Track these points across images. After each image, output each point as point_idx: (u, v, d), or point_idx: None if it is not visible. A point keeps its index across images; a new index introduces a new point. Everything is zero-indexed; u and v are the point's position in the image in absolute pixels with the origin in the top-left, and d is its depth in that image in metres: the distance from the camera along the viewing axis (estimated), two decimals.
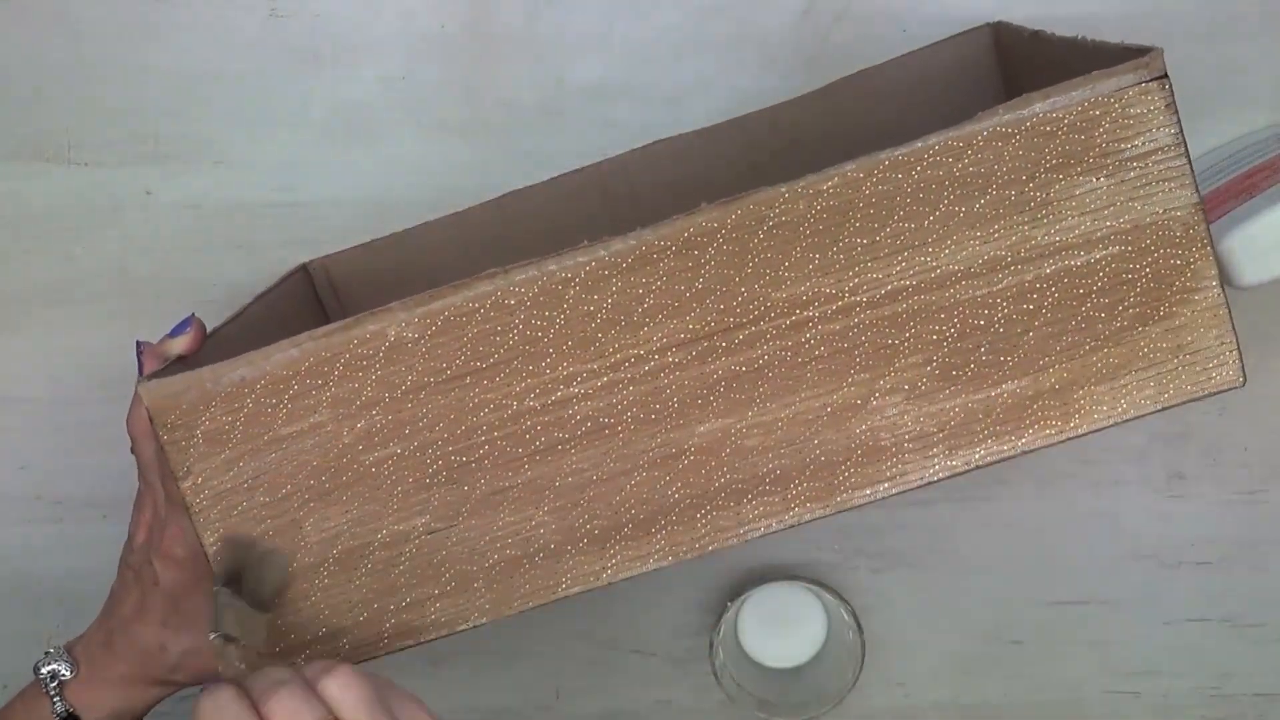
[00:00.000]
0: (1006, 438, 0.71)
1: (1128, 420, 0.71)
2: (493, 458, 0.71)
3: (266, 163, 0.94)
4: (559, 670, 1.04)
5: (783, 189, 0.68)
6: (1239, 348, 0.70)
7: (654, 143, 0.90)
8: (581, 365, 0.70)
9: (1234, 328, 0.70)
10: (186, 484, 0.72)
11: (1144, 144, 0.68)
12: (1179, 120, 0.68)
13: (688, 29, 0.92)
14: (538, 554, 0.72)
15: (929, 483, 0.72)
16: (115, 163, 0.94)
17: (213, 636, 0.67)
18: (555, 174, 0.90)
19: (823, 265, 0.69)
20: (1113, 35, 0.73)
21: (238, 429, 0.71)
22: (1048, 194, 0.68)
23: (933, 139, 0.68)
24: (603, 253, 0.69)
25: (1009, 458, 0.71)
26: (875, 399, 0.71)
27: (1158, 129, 0.68)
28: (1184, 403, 0.71)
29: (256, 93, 0.93)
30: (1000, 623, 1.02)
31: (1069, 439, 0.71)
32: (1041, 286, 0.69)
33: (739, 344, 0.70)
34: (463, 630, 0.74)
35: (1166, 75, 0.67)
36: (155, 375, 0.72)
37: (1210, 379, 0.70)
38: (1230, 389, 0.71)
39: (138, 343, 0.78)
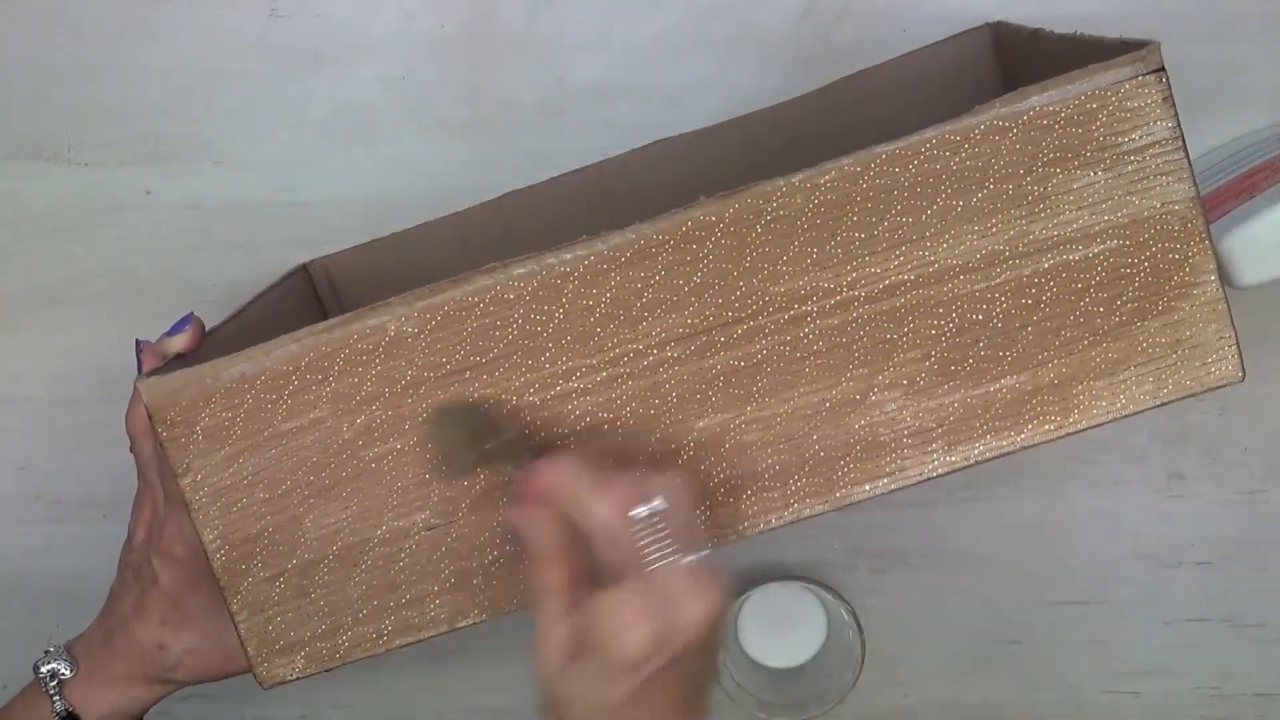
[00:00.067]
0: (1005, 433, 0.71)
1: (1127, 415, 0.71)
2: None
3: (266, 163, 0.94)
4: None
5: (780, 182, 0.68)
6: (1238, 342, 0.70)
7: (654, 143, 0.90)
8: (580, 360, 0.70)
9: (1233, 322, 0.70)
10: (186, 481, 0.72)
11: (1141, 137, 0.68)
12: (1176, 114, 0.68)
13: (688, 29, 0.92)
14: None
15: (928, 478, 0.71)
16: (115, 163, 0.94)
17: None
18: (555, 174, 0.90)
19: (820, 259, 0.69)
20: (1112, 34, 0.73)
21: (237, 425, 0.71)
22: (1045, 188, 0.68)
23: (929, 132, 0.68)
24: (601, 247, 0.69)
25: (1008, 453, 0.71)
26: (874, 394, 0.71)
27: (1155, 122, 0.68)
28: (1183, 397, 0.71)
29: (256, 93, 0.93)
30: (1000, 623, 1.02)
31: (1068, 434, 0.71)
32: (1040, 281, 0.69)
33: (737, 339, 0.70)
34: (463, 627, 0.74)
35: (1164, 69, 0.67)
36: (154, 372, 0.72)
37: (1210, 374, 0.70)
38: (1230, 384, 0.70)
39: (137, 341, 0.78)
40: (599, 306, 0.70)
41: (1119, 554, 1.00)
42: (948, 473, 0.71)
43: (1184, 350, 0.70)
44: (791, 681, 1.03)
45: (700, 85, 0.93)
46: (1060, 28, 0.79)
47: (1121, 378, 0.70)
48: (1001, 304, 0.70)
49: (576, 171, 0.90)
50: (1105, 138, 0.68)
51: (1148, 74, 0.67)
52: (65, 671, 0.82)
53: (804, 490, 0.72)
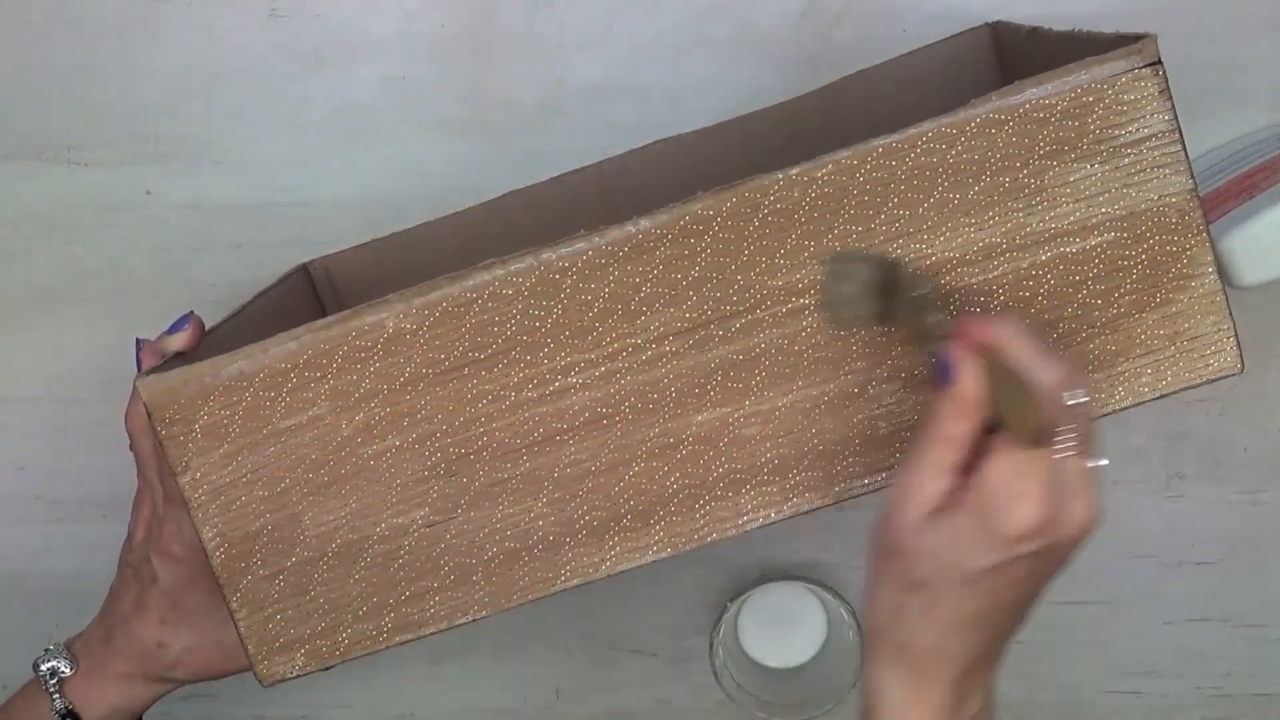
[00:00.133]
0: None
1: (1125, 408, 0.71)
2: (491, 449, 0.71)
3: (266, 163, 0.94)
4: (559, 670, 1.04)
5: (778, 176, 0.68)
6: (1236, 334, 0.70)
7: (654, 143, 0.89)
8: (579, 355, 0.70)
9: (1231, 314, 0.70)
10: (185, 479, 0.72)
11: (1138, 130, 0.68)
12: (1173, 106, 0.68)
13: (688, 29, 0.92)
14: (536, 546, 0.72)
15: None
16: (115, 163, 0.94)
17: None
18: (555, 174, 0.90)
19: (818, 253, 0.69)
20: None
21: (236, 423, 0.71)
22: (1042, 181, 0.68)
23: (926, 125, 0.68)
24: (599, 241, 0.69)
25: None
26: (873, 387, 0.71)
27: (1151, 115, 0.68)
28: (1182, 389, 0.71)
29: (256, 93, 0.93)
30: None
31: None
32: (1037, 273, 0.69)
33: (736, 332, 0.70)
34: (462, 624, 0.74)
35: (1160, 61, 0.67)
36: (153, 371, 0.72)
37: (1208, 365, 0.70)
38: (1228, 375, 0.71)
39: (137, 340, 0.78)
40: (597, 301, 0.70)
41: (1119, 554, 1.00)
42: None
43: (1182, 342, 0.70)
44: (791, 681, 1.02)
45: (700, 85, 0.93)
46: (1060, 27, 0.79)
47: (1120, 370, 0.70)
48: (999, 297, 0.69)
49: (576, 171, 0.90)
50: (1102, 130, 0.68)
51: (1144, 67, 0.67)
52: (65, 669, 0.82)
53: (804, 484, 0.72)
